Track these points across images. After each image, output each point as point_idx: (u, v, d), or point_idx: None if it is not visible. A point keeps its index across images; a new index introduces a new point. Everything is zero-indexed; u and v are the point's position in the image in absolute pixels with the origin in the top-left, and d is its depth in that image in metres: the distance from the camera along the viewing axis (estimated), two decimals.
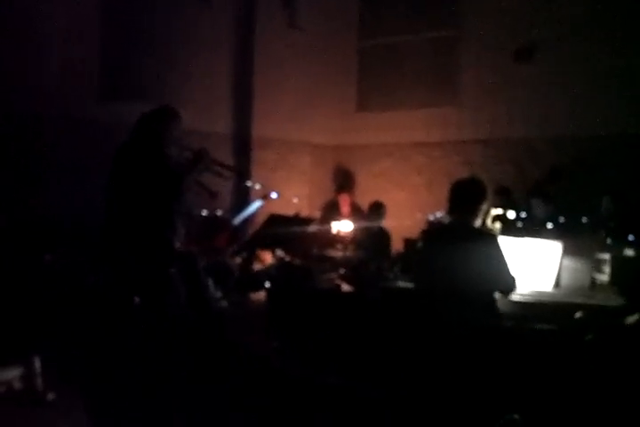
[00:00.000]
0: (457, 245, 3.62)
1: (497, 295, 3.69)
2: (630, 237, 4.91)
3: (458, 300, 3.51)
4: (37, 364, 3.91)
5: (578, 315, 3.65)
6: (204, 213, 5.47)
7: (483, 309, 3.56)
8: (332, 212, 7.83)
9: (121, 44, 6.99)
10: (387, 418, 2.46)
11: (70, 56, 6.52)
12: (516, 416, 2.59)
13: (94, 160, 4.46)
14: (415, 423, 2.64)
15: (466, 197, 3.75)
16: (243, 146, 7.90)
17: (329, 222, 5.96)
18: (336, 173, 8.92)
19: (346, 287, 4.59)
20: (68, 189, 6.09)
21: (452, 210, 3.81)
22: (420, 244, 3.93)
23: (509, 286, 3.67)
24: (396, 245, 5.95)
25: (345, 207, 7.90)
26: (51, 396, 3.88)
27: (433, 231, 4.19)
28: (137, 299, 3.90)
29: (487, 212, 4.82)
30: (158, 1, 7.13)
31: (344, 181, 8.64)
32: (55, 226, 5.60)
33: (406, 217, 6.76)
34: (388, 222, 6.96)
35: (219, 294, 4.72)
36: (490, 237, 3.74)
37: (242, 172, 6.55)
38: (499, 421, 2.57)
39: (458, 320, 3.37)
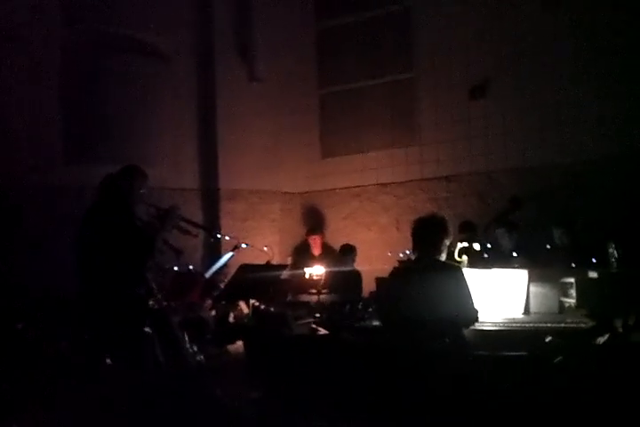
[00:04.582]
0: (421, 277, 3.73)
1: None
2: (593, 260, 5.02)
3: (423, 330, 3.58)
4: None
5: (548, 339, 3.72)
6: (176, 268, 5.50)
7: (450, 338, 3.62)
8: (303, 255, 7.88)
9: (83, 107, 7.10)
10: None
11: (34, 124, 6.62)
12: None
13: (64, 225, 4.52)
14: None
15: (428, 234, 3.89)
16: (211, 199, 7.95)
17: (301, 266, 5.99)
18: (305, 218, 8.99)
19: (322, 331, 4.61)
20: (39, 256, 6.09)
21: (416, 246, 3.94)
22: (387, 279, 4.03)
23: (470, 318, 3.74)
24: (369, 285, 6.00)
25: (316, 249, 7.96)
26: None
27: (400, 267, 4.29)
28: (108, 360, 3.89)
29: (454, 245, 4.91)
30: (116, 62, 7.27)
31: (314, 223, 8.71)
32: (26, 294, 5.57)
33: (377, 256, 6.82)
34: (359, 263, 7.02)
35: (195, 349, 4.71)
36: (454, 269, 3.83)
37: (210, 228, 6.59)
38: None
39: (424, 350, 3.43)
